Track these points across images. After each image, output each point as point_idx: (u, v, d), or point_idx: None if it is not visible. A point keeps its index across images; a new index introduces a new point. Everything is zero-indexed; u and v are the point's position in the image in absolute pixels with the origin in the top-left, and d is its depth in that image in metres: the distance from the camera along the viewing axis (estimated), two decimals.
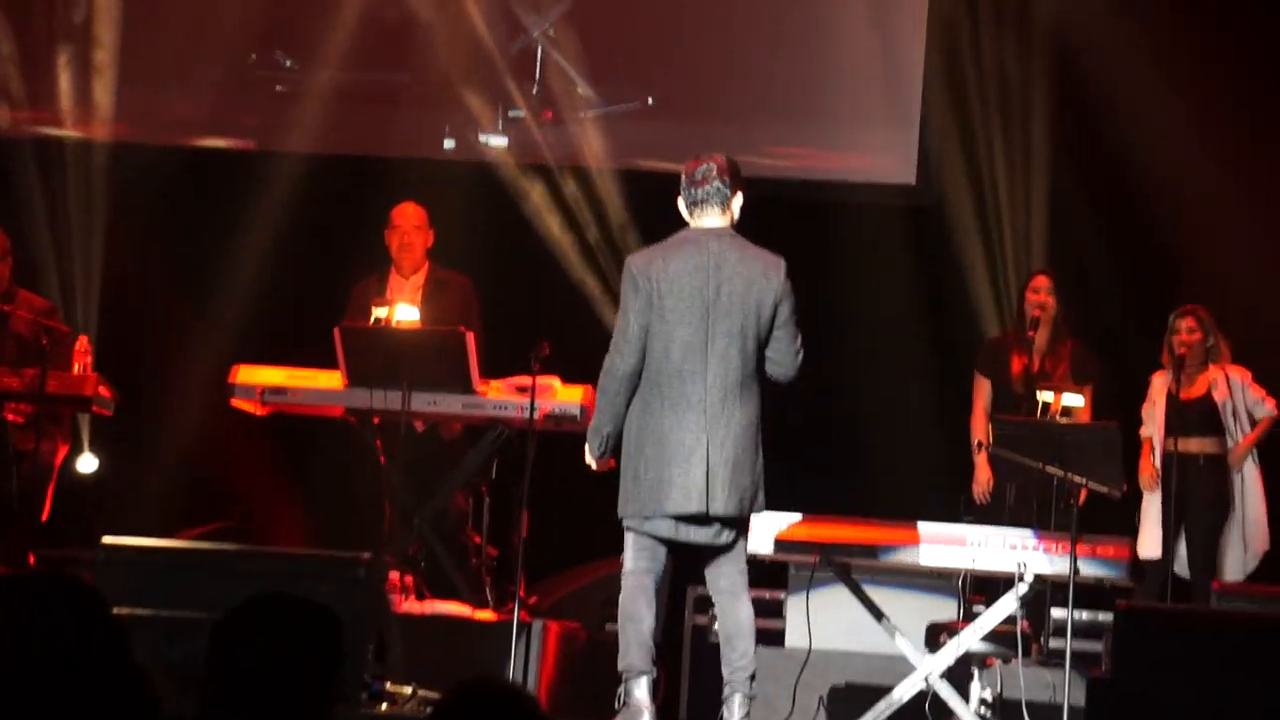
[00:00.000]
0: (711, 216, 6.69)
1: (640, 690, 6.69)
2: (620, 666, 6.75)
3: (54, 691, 2.92)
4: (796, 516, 7.82)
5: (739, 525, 6.71)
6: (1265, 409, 9.41)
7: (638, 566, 6.72)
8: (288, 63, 11.26)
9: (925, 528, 7.82)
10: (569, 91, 11.15)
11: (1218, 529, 9.37)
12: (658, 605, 7.76)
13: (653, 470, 6.57)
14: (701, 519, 6.59)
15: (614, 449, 6.74)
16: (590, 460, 6.83)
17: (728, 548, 6.72)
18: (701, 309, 6.56)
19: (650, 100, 11.10)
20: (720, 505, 6.57)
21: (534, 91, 11.16)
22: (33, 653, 2.93)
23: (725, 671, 6.74)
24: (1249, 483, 9.43)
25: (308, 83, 11.21)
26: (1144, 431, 9.43)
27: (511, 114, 11.14)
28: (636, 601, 6.70)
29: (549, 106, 11.13)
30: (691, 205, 6.71)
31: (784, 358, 6.72)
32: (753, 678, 6.74)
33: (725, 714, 6.73)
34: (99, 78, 11.19)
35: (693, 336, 6.56)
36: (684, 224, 6.80)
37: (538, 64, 11.17)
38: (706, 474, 6.54)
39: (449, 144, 11.11)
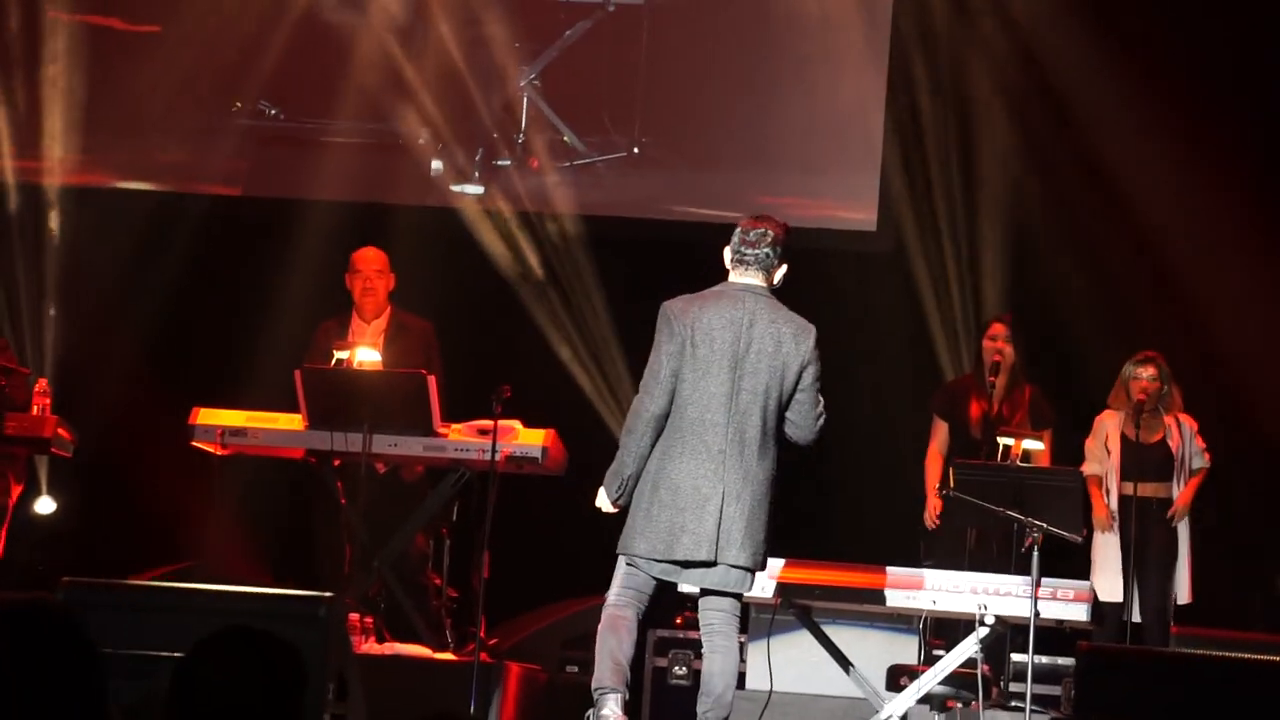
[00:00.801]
0: (752, 277, 6.80)
1: (610, 707, 6.69)
2: (593, 686, 6.75)
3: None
4: None
5: (748, 575, 6.73)
6: (1201, 461, 9.48)
7: (623, 599, 6.76)
8: (263, 109, 11.27)
9: (886, 571, 7.83)
10: (554, 141, 11.19)
11: (1170, 574, 9.41)
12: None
13: (666, 515, 6.63)
14: (710, 565, 6.62)
15: (630, 493, 6.74)
16: (605, 503, 6.82)
17: (728, 592, 6.74)
18: (731, 362, 6.65)
19: (636, 150, 11.14)
20: (733, 556, 6.62)
21: (518, 139, 11.18)
22: (23, 681, 2.92)
23: (700, 709, 6.74)
24: (1181, 535, 9.48)
25: (279, 130, 11.22)
26: (1087, 469, 9.42)
27: (497, 163, 11.16)
28: (617, 629, 6.73)
29: (533, 155, 11.16)
30: (737, 261, 6.81)
31: (805, 420, 6.80)
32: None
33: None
34: (53, 123, 11.17)
35: (719, 388, 6.64)
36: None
37: (523, 114, 11.21)
38: (719, 524, 6.59)
39: (454, 185, 11.11)
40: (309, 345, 9.47)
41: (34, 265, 11.08)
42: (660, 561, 6.65)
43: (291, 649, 3.43)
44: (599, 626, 6.78)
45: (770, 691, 8.13)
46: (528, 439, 8.66)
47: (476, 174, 11.15)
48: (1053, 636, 8.18)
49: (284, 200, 11.16)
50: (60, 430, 8.89)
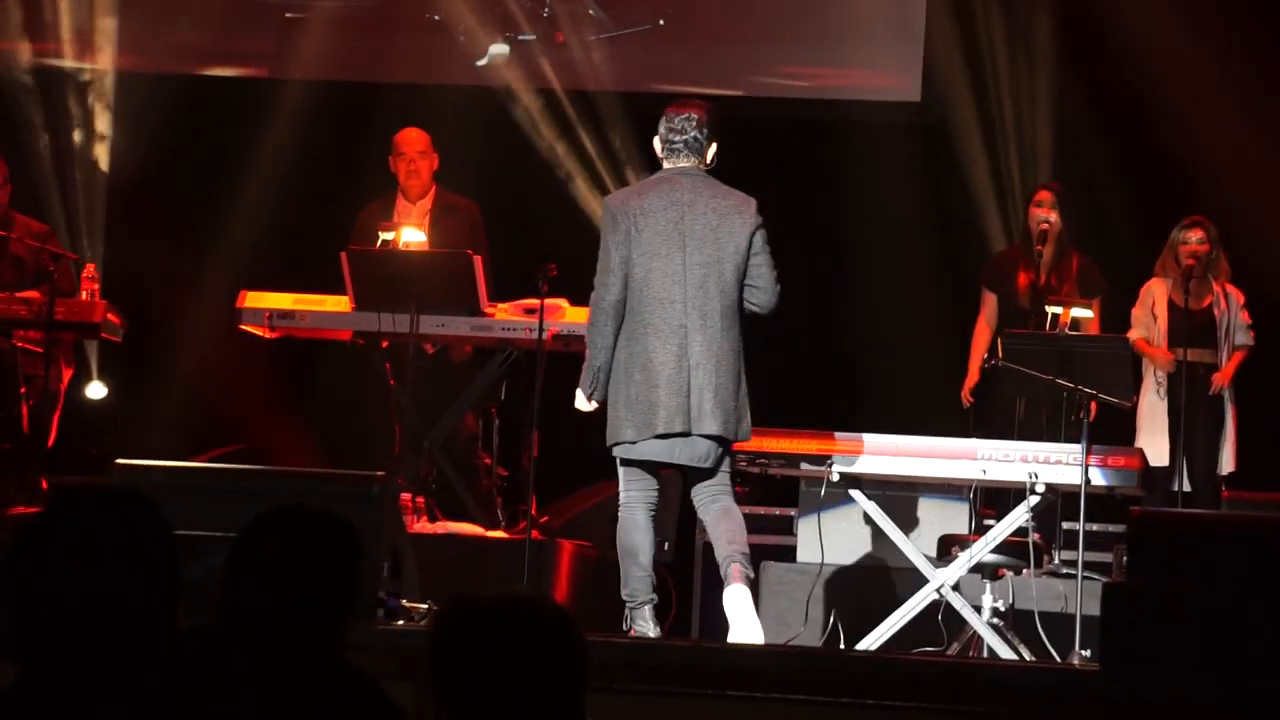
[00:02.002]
0: (685, 162, 7.01)
1: (644, 618, 6.93)
2: (624, 595, 6.98)
3: (118, 604, 2.94)
4: (806, 432, 7.83)
5: (723, 447, 6.96)
6: (1245, 337, 9.39)
7: (630, 496, 7.01)
8: None
9: (936, 441, 7.84)
10: (580, 14, 11.10)
11: (1217, 441, 9.36)
12: (665, 525, 7.96)
13: (642, 394, 6.86)
14: (687, 438, 6.86)
15: (605, 385, 6.96)
16: (583, 402, 7.06)
17: (711, 471, 6.97)
18: (678, 240, 6.89)
19: (661, 22, 11.05)
20: (705, 426, 6.85)
21: (544, 14, 11.11)
22: (103, 564, 2.94)
23: (722, 554, 6.94)
24: (1226, 404, 9.43)
25: (314, 8, 11.16)
26: (1133, 335, 9.34)
27: (521, 38, 11.09)
28: (631, 533, 6.96)
29: (559, 29, 11.09)
30: (669, 150, 7.03)
31: (764, 283, 7.02)
32: (746, 557, 6.95)
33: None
34: (100, 6, 11.14)
35: (670, 266, 6.88)
36: None
37: None
38: (689, 395, 6.84)
39: (483, 60, 11.04)
40: (354, 227, 9.46)
41: (81, 152, 11.08)
42: (646, 441, 6.86)
43: (347, 525, 3.45)
44: (616, 529, 7.01)
45: (821, 564, 8.18)
46: (574, 317, 8.64)
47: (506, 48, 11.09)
48: (1103, 503, 8.18)
49: (324, 83, 11.11)
50: (109, 315, 8.92)
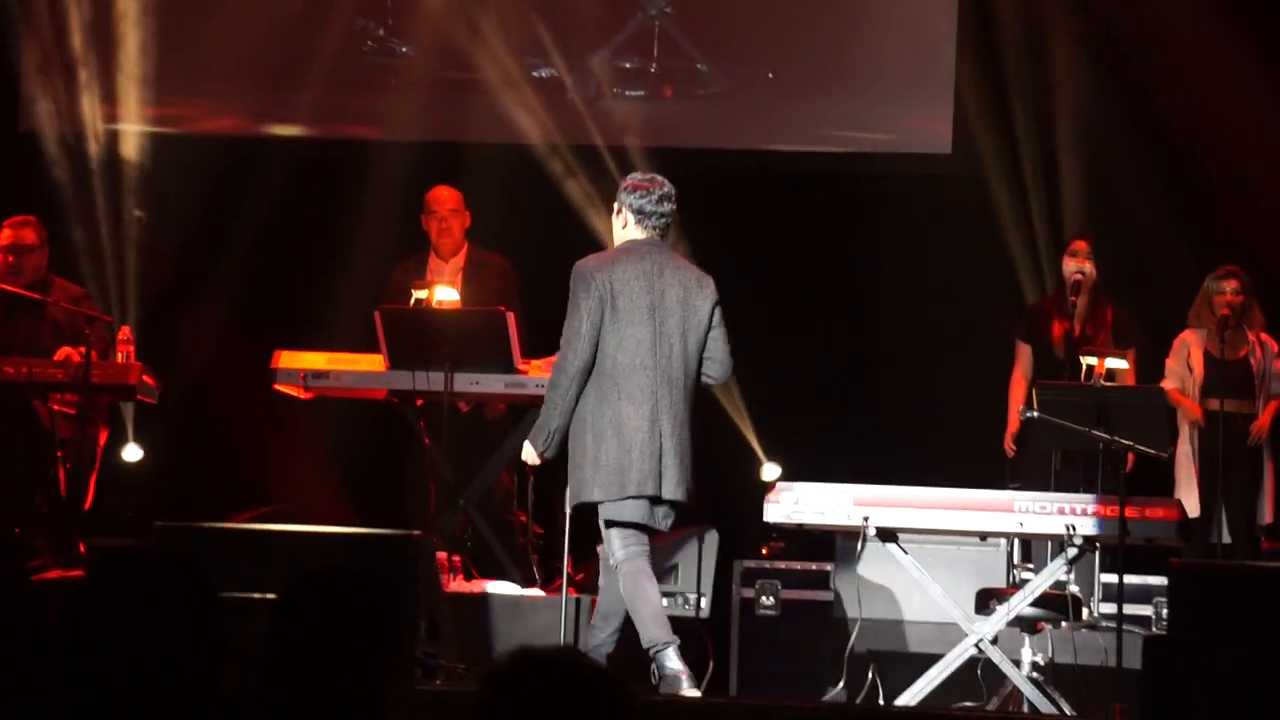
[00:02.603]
0: (654, 234, 7.28)
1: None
2: (645, 644, 7.07)
3: (163, 667, 2.95)
4: (843, 485, 7.81)
5: (676, 511, 7.25)
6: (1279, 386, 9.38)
7: (629, 553, 7.18)
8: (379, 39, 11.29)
9: (972, 494, 7.81)
10: (687, 70, 11.16)
11: (1256, 492, 9.33)
12: (702, 582, 8.27)
13: (614, 457, 7.08)
14: (654, 502, 7.12)
15: (557, 445, 7.23)
16: (531, 455, 7.32)
17: (658, 532, 7.26)
18: (649, 310, 7.15)
19: (770, 75, 11.08)
20: (670, 491, 7.12)
21: (652, 70, 11.15)
22: (150, 627, 2.96)
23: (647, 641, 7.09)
24: (1264, 455, 9.39)
25: (402, 69, 11.26)
26: (1166, 384, 9.31)
27: (630, 93, 11.14)
28: (640, 584, 7.14)
29: (668, 83, 11.15)
30: (643, 221, 7.27)
31: (722, 356, 7.31)
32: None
33: (660, 669, 7.02)
34: (129, 73, 11.21)
35: (643, 334, 7.14)
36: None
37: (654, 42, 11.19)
38: (660, 461, 7.09)
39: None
40: (388, 286, 9.48)
41: (116, 213, 11.13)
42: (625, 502, 7.08)
43: (385, 587, 3.45)
44: (621, 587, 7.16)
45: (859, 618, 8.15)
46: None
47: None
48: (1142, 555, 8.14)
49: (358, 142, 11.16)
50: (145, 377, 8.95)
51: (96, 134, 11.17)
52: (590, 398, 7.12)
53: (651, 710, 6.17)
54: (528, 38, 11.09)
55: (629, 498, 7.08)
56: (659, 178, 7.32)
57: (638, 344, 7.11)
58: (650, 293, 7.14)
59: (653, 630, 7.02)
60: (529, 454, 7.31)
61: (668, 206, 7.24)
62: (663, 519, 7.19)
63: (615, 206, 7.36)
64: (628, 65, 11.18)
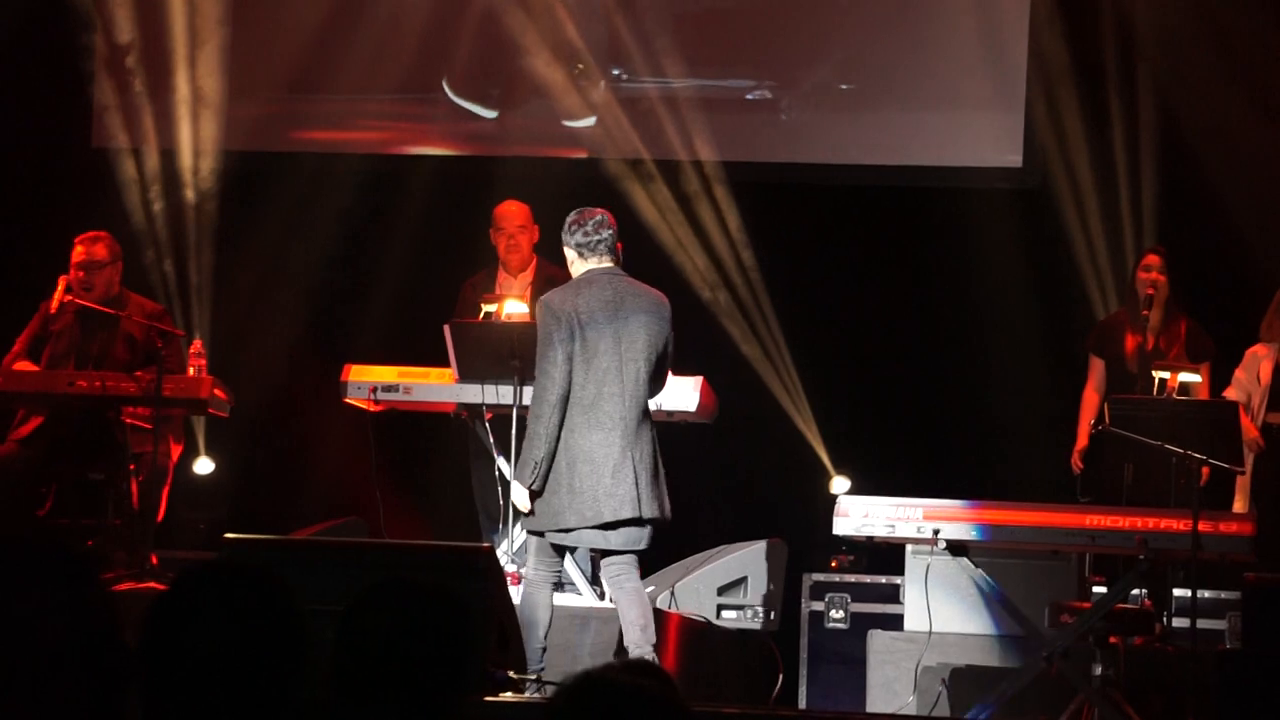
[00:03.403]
0: (606, 261, 7.57)
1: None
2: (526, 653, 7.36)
3: (245, 678, 2.98)
4: (913, 500, 7.79)
5: (654, 529, 7.50)
6: None
7: (540, 575, 7.54)
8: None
9: (1044, 508, 7.77)
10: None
11: None
12: (772, 596, 8.77)
13: (589, 484, 7.34)
14: (631, 523, 7.38)
15: (544, 476, 7.40)
16: (522, 498, 7.47)
17: (634, 550, 7.50)
18: (614, 337, 7.43)
19: (770, 95, 11.08)
20: (647, 510, 7.38)
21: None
22: (230, 638, 2.98)
23: (629, 640, 7.41)
24: None
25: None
26: (1229, 394, 9.23)
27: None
28: (536, 610, 7.47)
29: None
30: (589, 251, 7.57)
31: (664, 380, 7.64)
32: (655, 647, 7.41)
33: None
34: (198, 91, 11.28)
35: (609, 363, 7.42)
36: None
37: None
38: (636, 483, 7.36)
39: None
40: (457, 300, 9.50)
41: (190, 229, 11.19)
42: (590, 529, 7.36)
43: (456, 599, 3.45)
44: (523, 599, 7.49)
45: (930, 632, 8.12)
46: (673, 387, 8.64)
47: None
48: (1215, 570, 8.08)
49: (427, 156, 11.20)
50: (216, 391, 9.00)
51: (173, 151, 11.24)
52: (561, 427, 7.39)
53: None
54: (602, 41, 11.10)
55: (593, 527, 7.35)
56: (592, 209, 7.64)
57: (604, 373, 7.39)
58: (614, 321, 7.44)
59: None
60: (519, 497, 7.50)
61: (605, 232, 7.56)
62: (639, 540, 7.46)
63: (565, 253, 7.68)
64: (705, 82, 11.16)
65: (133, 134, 11.31)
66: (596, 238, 7.56)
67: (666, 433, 8.48)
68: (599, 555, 7.74)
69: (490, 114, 11.25)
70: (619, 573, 7.52)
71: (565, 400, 7.39)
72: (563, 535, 7.44)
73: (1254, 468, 9.06)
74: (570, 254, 7.64)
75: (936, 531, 7.69)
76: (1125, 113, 10.64)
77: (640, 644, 7.35)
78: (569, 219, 7.66)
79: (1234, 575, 7.89)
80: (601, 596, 8.76)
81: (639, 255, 10.77)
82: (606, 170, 10.98)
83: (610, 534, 7.41)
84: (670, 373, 7.65)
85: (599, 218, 7.60)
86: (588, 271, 7.58)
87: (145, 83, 11.32)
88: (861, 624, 8.99)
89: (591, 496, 7.34)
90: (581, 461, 7.35)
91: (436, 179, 11.08)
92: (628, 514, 7.35)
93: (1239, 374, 9.35)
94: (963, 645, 8.39)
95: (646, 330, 7.47)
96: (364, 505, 9.09)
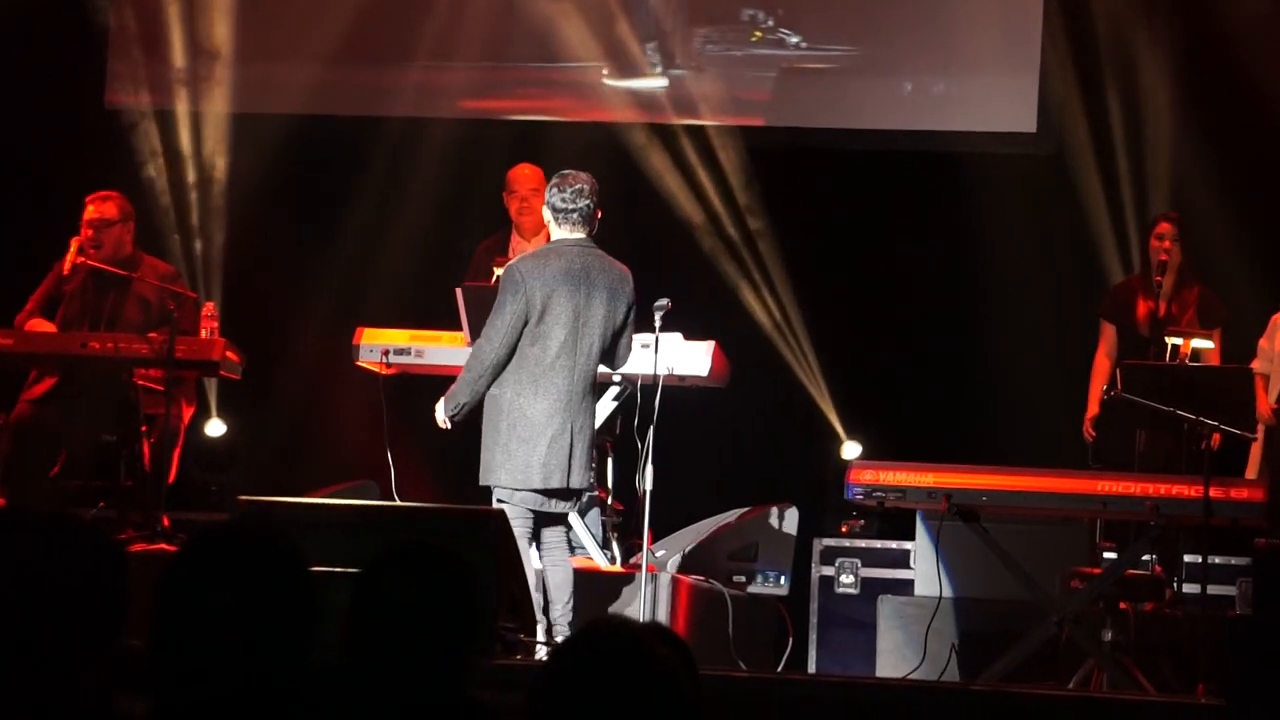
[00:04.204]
0: (578, 231, 7.64)
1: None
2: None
3: (255, 639, 2.99)
4: (924, 465, 7.80)
5: (579, 496, 7.78)
6: None
7: (517, 534, 7.52)
8: None
9: (1055, 474, 7.77)
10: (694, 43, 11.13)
11: None
12: (783, 560, 8.77)
13: (524, 450, 7.52)
14: (562, 493, 7.60)
15: (468, 417, 7.70)
16: (443, 418, 7.77)
17: (563, 518, 7.78)
18: (573, 311, 7.55)
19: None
20: (577, 480, 7.62)
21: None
22: (243, 599, 2.99)
23: (552, 617, 7.56)
24: None
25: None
26: (1257, 366, 9.21)
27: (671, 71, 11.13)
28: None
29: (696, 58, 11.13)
30: (562, 218, 7.66)
31: (625, 354, 7.80)
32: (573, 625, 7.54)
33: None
34: (215, 47, 11.26)
35: (565, 336, 7.55)
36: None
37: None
38: (570, 454, 7.54)
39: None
40: (469, 263, 9.50)
41: (198, 191, 11.19)
42: (522, 491, 7.53)
43: (467, 563, 3.47)
44: None
45: (940, 597, 8.14)
46: (690, 352, 8.64)
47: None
48: (1226, 536, 8.08)
49: (437, 119, 11.18)
50: (228, 353, 9.00)
51: (180, 115, 11.23)
52: (508, 386, 7.57)
53: (729, 685, 6.18)
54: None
55: (528, 490, 7.52)
56: (577, 174, 7.68)
57: (560, 345, 7.55)
58: (575, 295, 7.54)
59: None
60: (439, 415, 7.75)
61: (582, 201, 7.60)
62: (571, 507, 7.74)
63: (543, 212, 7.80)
64: (715, 46, 11.13)
65: (148, 93, 11.28)
66: (572, 206, 7.63)
67: (678, 397, 8.50)
68: (538, 521, 7.78)
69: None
70: (553, 541, 7.73)
71: (501, 367, 7.57)
72: (510, 497, 7.57)
73: (1266, 434, 9.05)
74: (547, 213, 7.73)
75: (948, 497, 7.70)
76: (1141, 76, 10.60)
77: (559, 621, 7.52)
78: (553, 179, 7.74)
79: (1245, 541, 7.90)
80: (612, 561, 8.78)
81: (650, 219, 10.81)
82: (617, 134, 10.96)
83: (546, 500, 7.59)
84: (628, 351, 7.79)
85: (579, 186, 7.66)
86: (559, 241, 7.68)
87: (160, 42, 11.30)
88: (872, 589, 9.01)
89: (524, 462, 7.52)
90: (522, 426, 7.53)
91: (449, 141, 11.06)
92: (556, 483, 7.54)
93: (1263, 343, 9.32)
94: (973, 610, 8.40)
95: (605, 306, 7.60)
96: (376, 467, 9.09)
